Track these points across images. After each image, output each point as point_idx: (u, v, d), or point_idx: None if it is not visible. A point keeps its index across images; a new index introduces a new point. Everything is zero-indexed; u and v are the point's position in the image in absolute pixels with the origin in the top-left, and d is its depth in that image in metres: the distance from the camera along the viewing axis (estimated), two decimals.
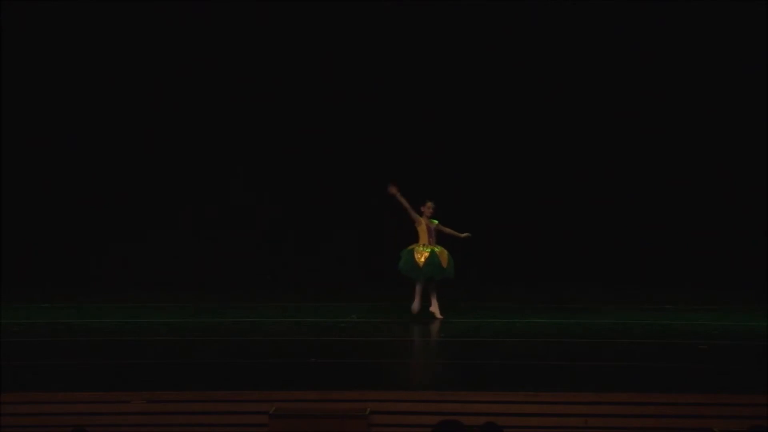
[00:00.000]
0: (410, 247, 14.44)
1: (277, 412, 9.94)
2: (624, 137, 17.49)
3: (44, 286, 17.04)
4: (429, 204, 14.48)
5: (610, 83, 17.44)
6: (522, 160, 17.74)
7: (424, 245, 14.39)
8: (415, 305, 14.42)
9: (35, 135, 17.55)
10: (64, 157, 17.63)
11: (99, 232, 17.66)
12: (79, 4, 17.42)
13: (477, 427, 6.84)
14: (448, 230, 14.52)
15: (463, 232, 14.46)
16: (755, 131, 17.16)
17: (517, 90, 17.56)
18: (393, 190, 14.39)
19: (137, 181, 17.72)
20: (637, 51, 17.36)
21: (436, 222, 14.49)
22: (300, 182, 17.77)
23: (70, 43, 17.55)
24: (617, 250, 17.41)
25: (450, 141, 17.74)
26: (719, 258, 17.20)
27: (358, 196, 17.62)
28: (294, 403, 10.20)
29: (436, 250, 14.36)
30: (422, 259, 14.29)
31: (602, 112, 17.54)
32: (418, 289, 14.42)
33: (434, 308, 14.48)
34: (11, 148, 17.48)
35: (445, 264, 14.31)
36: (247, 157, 17.73)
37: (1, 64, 17.36)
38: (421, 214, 14.43)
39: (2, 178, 17.50)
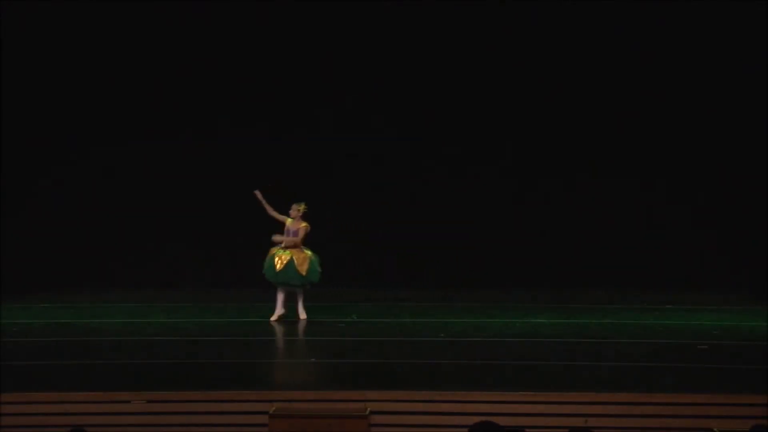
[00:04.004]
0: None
1: (277, 412, 9.95)
2: (622, 137, 17.47)
3: (44, 286, 17.03)
4: (294, 206, 14.55)
5: (610, 83, 17.41)
6: (523, 160, 17.72)
7: (284, 249, 14.45)
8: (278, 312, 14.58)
9: (36, 133, 17.54)
10: (65, 156, 17.63)
11: (99, 232, 17.65)
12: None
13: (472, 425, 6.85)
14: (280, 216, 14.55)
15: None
16: (755, 131, 17.14)
17: (516, 87, 17.55)
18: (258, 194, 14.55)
19: (137, 181, 17.71)
20: (636, 51, 17.34)
21: (304, 224, 14.50)
22: (298, 182, 17.73)
23: (62, 44, 17.57)
24: (617, 250, 17.39)
25: (449, 141, 17.73)
26: (719, 258, 17.19)
27: (357, 195, 17.63)
28: (294, 403, 10.21)
29: (295, 255, 14.37)
30: (279, 264, 14.36)
31: (600, 111, 17.51)
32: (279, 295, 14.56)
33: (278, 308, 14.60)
34: (11, 147, 17.48)
35: (304, 272, 14.33)
36: (245, 159, 17.71)
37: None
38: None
39: (2, 177, 17.49)
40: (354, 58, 17.63)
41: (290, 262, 14.38)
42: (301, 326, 14.38)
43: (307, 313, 14.91)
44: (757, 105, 17.06)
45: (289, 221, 14.56)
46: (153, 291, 17.05)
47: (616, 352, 12.66)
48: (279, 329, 14.28)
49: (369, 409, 10.03)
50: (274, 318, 14.58)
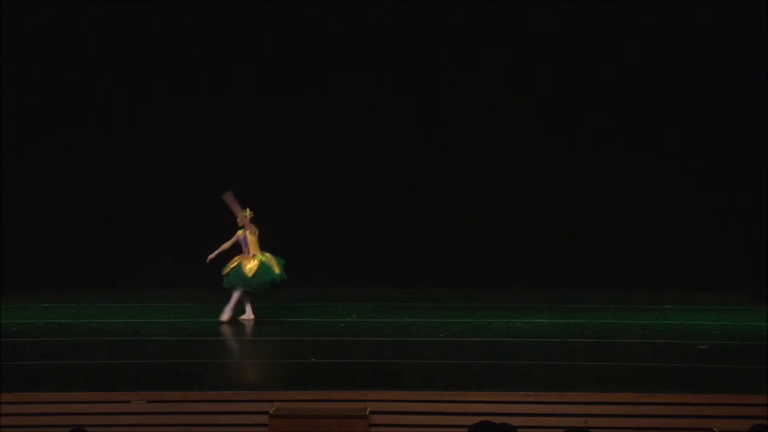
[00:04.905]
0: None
1: (277, 412, 9.95)
2: (623, 137, 17.46)
3: (44, 286, 17.03)
4: (239, 213, 14.47)
5: (608, 83, 17.41)
6: (522, 160, 17.70)
7: (254, 256, 14.40)
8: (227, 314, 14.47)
9: (36, 135, 17.55)
10: (65, 156, 17.63)
11: (99, 233, 17.65)
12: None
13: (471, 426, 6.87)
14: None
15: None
16: (755, 131, 17.13)
17: (514, 87, 17.55)
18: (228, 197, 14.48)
19: (136, 183, 17.71)
20: (635, 52, 17.33)
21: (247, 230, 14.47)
22: (296, 182, 17.74)
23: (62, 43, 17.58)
24: (617, 250, 17.38)
25: (449, 141, 17.72)
26: (719, 258, 17.18)
27: (356, 195, 17.62)
28: (294, 403, 10.21)
29: (262, 258, 14.35)
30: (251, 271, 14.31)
31: (600, 111, 17.50)
32: (235, 297, 14.44)
33: (248, 313, 14.50)
34: (11, 147, 17.48)
35: (251, 274, 14.27)
36: (245, 159, 17.71)
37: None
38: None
39: (2, 176, 17.49)
40: (353, 58, 17.63)
41: (238, 266, 14.34)
42: (250, 326, 14.35)
43: (308, 312, 14.87)
44: (757, 105, 17.03)
45: (239, 232, 14.54)
46: (153, 291, 17.04)
47: (616, 352, 12.66)
48: (274, 329, 14.28)
49: (369, 409, 10.04)
50: (239, 317, 14.52)
